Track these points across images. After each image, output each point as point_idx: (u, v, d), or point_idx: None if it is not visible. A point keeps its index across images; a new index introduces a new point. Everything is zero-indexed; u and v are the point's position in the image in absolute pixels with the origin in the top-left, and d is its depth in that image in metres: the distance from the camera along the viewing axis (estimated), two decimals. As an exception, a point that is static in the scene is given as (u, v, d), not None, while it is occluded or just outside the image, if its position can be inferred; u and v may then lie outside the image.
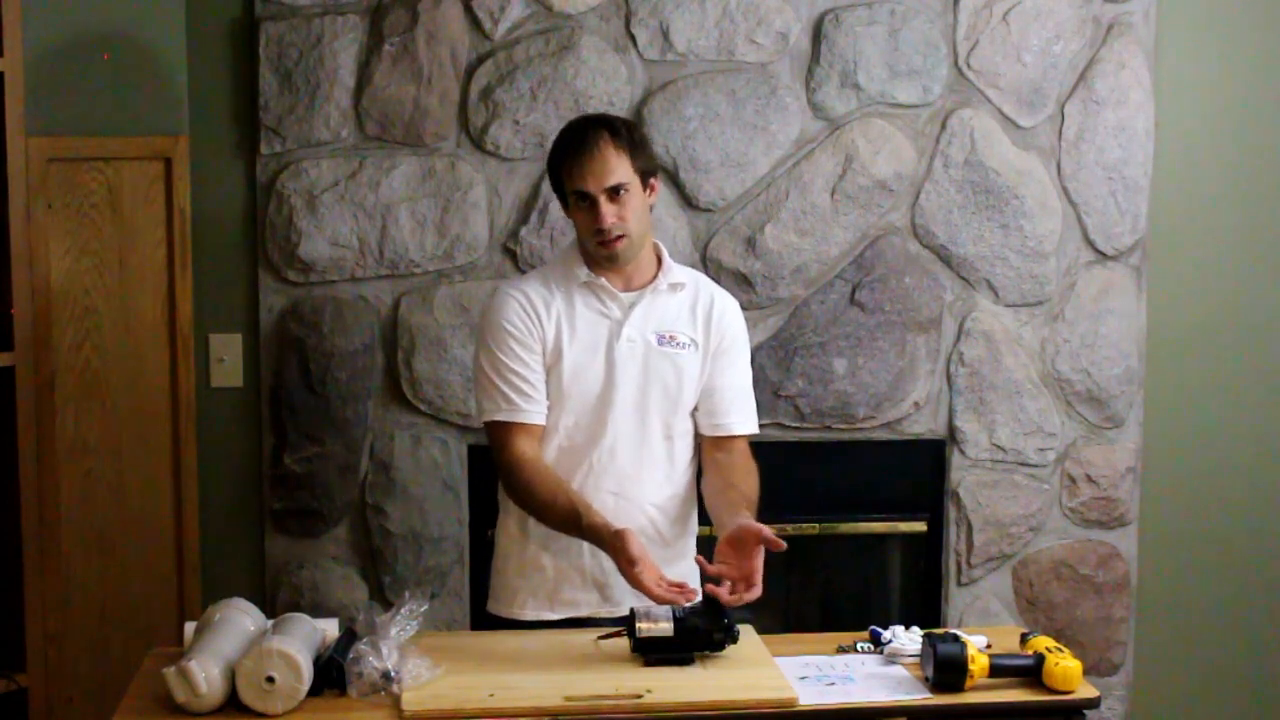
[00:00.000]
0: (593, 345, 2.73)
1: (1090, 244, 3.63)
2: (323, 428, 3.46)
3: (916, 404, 3.61)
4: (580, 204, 2.68)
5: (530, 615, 2.78)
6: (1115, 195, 3.62)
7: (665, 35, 3.44)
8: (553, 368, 2.72)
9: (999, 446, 3.64)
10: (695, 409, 2.81)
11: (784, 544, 2.52)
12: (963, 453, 3.64)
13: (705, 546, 2.73)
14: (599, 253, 2.71)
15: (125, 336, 3.29)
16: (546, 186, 3.38)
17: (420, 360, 3.45)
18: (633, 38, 3.44)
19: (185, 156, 3.38)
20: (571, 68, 3.41)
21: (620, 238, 2.68)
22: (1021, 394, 3.63)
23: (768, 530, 2.52)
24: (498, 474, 2.78)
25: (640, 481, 2.75)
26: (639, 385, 2.73)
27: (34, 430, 2.98)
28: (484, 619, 2.90)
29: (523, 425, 2.71)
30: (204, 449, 3.45)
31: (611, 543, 2.57)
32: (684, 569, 2.73)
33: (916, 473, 3.67)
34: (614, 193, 2.66)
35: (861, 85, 3.50)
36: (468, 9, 3.40)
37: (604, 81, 3.43)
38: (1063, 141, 3.59)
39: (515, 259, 3.45)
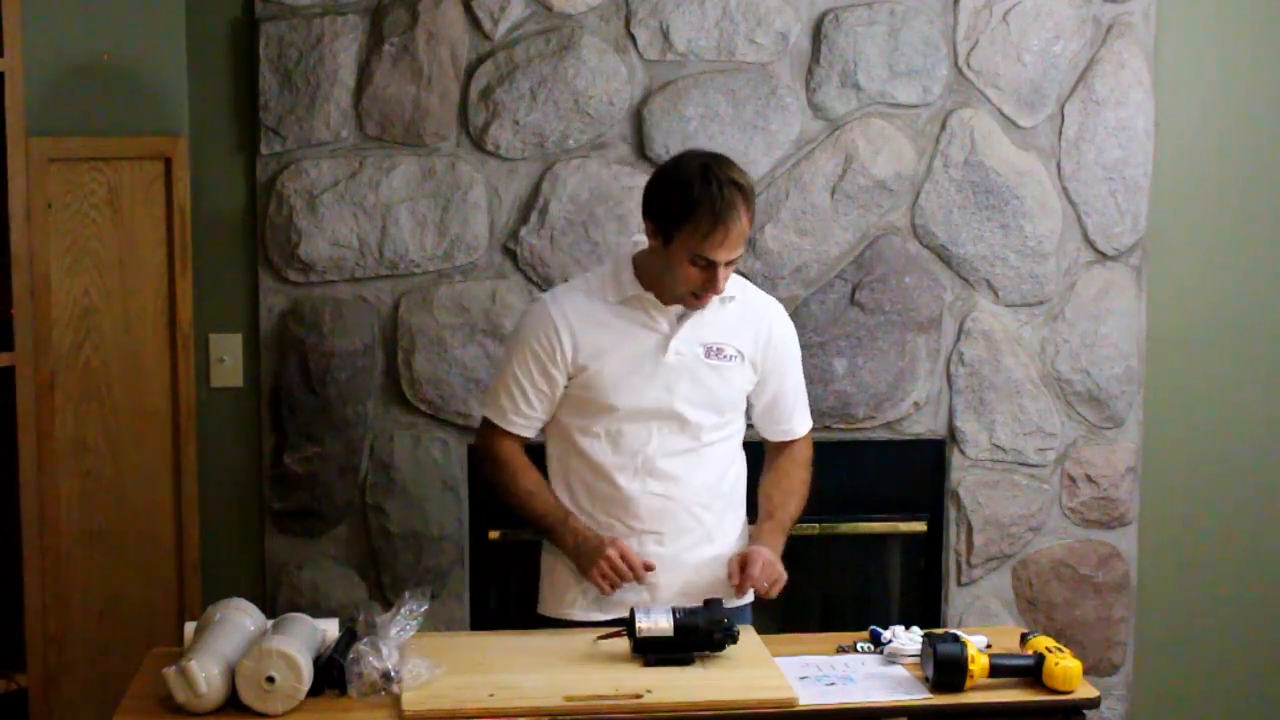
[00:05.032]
0: (638, 357, 2.73)
1: (1090, 244, 3.63)
2: (323, 428, 3.46)
3: (916, 404, 3.61)
4: (697, 262, 2.65)
5: (580, 616, 2.79)
6: (1115, 195, 3.62)
7: (665, 35, 3.44)
8: (592, 377, 2.73)
9: (999, 446, 3.64)
10: (757, 415, 2.89)
11: (750, 595, 2.79)
12: (963, 453, 3.64)
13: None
14: (691, 303, 2.72)
15: (125, 336, 3.29)
16: (546, 186, 3.40)
17: (420, 360, 3.45)
18: (633, 38, 3.44)
19: (185, 156, 3.37)
20: (571, 68, 3.41)
21: None
22: (1021, 394, 3.63)
23: (755, 570, 2.72)
24: (480, 458, 2.89)
25: (687, 484, 2.78)
26: (686, 397, 2.75)
27: (34, 430, 2.97)
28: (535, 620, 2.87)
29: (510, 433, 2.81)
30: (204, 449, 3.45)
31: (595, 544, 2.71)
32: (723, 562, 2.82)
33: (916, 473, 3.66)
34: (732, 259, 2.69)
35: (861, 85, 3.50)
36: (468, 9, 3.40)
37: (604, 81, 3.42)
38: (1063, 141, 3.59)
39: (515, 259, 3.45)
